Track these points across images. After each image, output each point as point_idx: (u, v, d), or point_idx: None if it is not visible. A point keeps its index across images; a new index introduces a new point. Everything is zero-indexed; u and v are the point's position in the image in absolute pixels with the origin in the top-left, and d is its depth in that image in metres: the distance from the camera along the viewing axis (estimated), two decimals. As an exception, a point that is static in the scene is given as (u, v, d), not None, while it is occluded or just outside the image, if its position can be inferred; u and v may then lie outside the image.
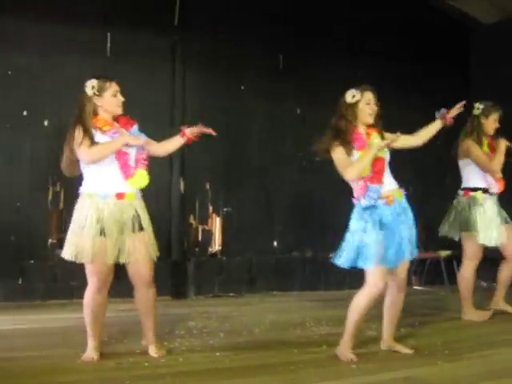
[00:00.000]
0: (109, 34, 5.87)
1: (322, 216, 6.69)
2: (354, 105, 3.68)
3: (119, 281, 5.38)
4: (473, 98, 7.65)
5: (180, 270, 6.11)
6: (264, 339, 4.21)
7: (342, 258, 3.62)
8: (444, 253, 6.90)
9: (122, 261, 3.52)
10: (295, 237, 6.61)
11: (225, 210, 6.29)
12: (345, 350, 3.63)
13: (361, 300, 3.63)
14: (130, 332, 4.08)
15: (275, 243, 6.55)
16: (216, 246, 6.28)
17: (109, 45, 5.89)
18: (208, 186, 6.24)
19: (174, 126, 6.09)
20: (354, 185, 3.67)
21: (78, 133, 3.43)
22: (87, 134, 3.44)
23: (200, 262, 6.19)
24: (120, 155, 3.51)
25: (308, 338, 4.24)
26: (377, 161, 3.61)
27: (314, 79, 6.61)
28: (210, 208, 6.25)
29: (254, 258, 6.42)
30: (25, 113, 5.57)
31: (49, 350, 3.76)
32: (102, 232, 3.44)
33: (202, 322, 4.75)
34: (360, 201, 3.64)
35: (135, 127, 3.70)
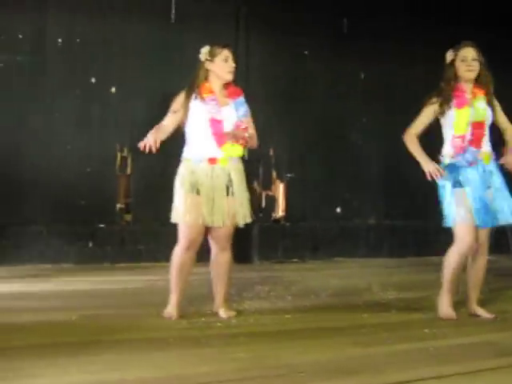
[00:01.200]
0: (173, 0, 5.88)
1: (386, 182, 6.62)
2: (451, 64, 3.70)
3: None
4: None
5: (244, 235, 6.14)
6: (332, 303, 4.22)
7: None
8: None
9: (211, 224, 3.58)
10: (359, 203, 6.56)
11: (288, 175, 6.28)
12: (444, 307, 3.70)
13: (451, 257, 3.68)
14: (201, 295, 4.14)
15: (338, 209, 6.52)
16: (279, 211, 6.29)
17: (173, 11, 5.90)
18: (271, 152, 6.23)
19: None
20: (449, 140, 3.67)
21: (177, 98, 3.60)
22: (186, 101, 3.58)
23: (264, 227, 6.22)
24: (213, 123, 3.58)
25: (376, 303, 4.23)
26: (477, 125, 3.61)
27: (379, 43, 6.46)
28: (274, 174, 6.26)
29: (317, 224, 6.41)
30: (93, 80, 5.68)
31: (123, 309, 3.87)
32: (195, 191, 3.55)
33: (268, 285, 4.79)
34: (445, 158, 3.68)
35: (241, 97, 3.75)
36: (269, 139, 6.18)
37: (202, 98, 3.59)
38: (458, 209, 3.58)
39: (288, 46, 6.29)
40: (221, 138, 3.58)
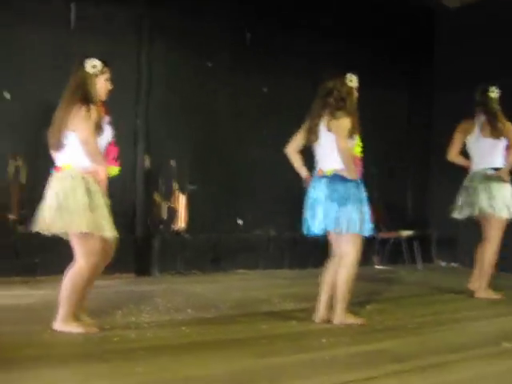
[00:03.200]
0: (72, 5, 5.72)
1: (286, 195, 6.71)
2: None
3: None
4: (436, 82, 7.87)
5: (144, 247, 6.05)
6: (232, 315, 4.23)
7: None
8: (405, 233, 7.05)
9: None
10: (259, 215, 6.62)
11: (190, 187, 6.24)
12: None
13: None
14: (97, 309, 4.01)
15: (240, 221, 6.55)
16: (180, 223, 6.24)
17: (73, 17, 5.73)
18: (173, 163, 6.18)
19: (139, 103, 6.04)
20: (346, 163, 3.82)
21: (87, 114, 3.47)
22: (98, 119, 3.52)
23: (164, 239, 6.15)
24: (111, 147, 3.71)
25: (276, 314, 4.28)
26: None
27: (281, 57, 6.59)
28: (175, 185, 6.20)
29: (218, 236, 6.40)
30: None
31: (16, 326, 3.70)
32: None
33: (167, 298, 4.73)
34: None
35: (108, 119, 3.70)
36: (170, 150, 6.14)
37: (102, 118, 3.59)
38: None
39: (191, 57, 6.26)
40: (114, 161, 3.72)
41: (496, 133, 4.94)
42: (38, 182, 5.43)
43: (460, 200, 5.17)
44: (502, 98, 5.03)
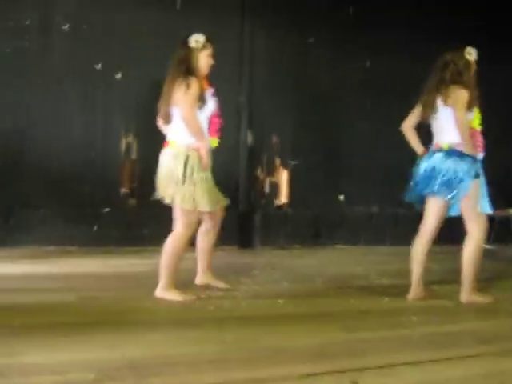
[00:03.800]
0: (180, -14, 5.94)
1: (389, 170, 6.64)
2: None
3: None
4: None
5: (247, 221, 6.24)
6: (326, 289, 4.30)
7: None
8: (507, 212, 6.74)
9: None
10: (361, 191, 6.60)
11: (292, 162, 6.33)
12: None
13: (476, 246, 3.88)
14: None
15: (341, 197, 6.57)
16: (282, 198, 6.36)
17: (179, -2, 5.95)
18: (275, 139, 6.29)
19: (242, 79, 6.18)
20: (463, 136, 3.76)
21: (188, 88, 3.62)
22: (201, 91, 3.67)
23: (266, 213, 6.30)
24: (214, 118, 3.86)
25: (370, 290, 4.30)
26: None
27: (384, 31, 6.47)
28: (277, 161, 6.32)
29: (319, 211, 6.47)
30: (98, 66, 5.76)
31: (123, 292, 3.98)
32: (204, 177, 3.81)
33: (266, 271, 4.88)
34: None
35: (212, 90, 3.86)
36: (272, 126, 6.25)
37: (205, 90, 3.75)
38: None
39: (293, 33, 6.31)
40: (216, 133, 3.88)
41: None
42: (148, 157, 5.80)
43: None
44: None
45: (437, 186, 3.84)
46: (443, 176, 3.80)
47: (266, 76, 6.24)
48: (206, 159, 3.73)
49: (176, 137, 3.75)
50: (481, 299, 3.92)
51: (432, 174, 3.87)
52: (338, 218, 6.52)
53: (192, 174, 3.69)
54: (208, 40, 3.77)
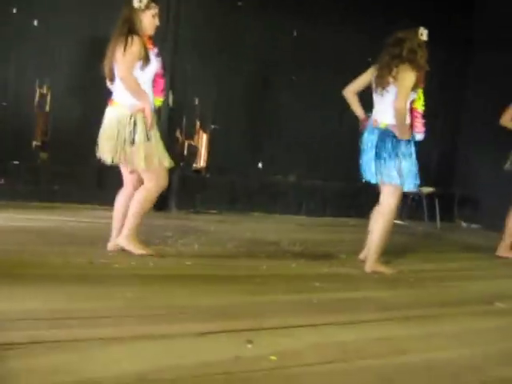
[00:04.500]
0: None
1: (310, 142, 6.71)
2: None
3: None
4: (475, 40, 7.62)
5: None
6: (236, 253, 4.31)
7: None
8: (426, 190, 6.97)
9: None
10: (281, 160, 6.63)
11: (212, 127, 6.27)
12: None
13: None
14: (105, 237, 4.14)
15: (260, 165, 6.58)
16: (201, 162, 6.30)
17: None
18: (197, 102, 6.20)
19: (166, 40, 6.03)
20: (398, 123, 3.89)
21: (134, 45, 3.59)
22: (144, 50, 3.65)
23: (184, 177, 6.23)
24: (158, 77, 3.87)
25: (279, 256, 4.34)
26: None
27: (313, 2, 6.47)
28: (198, 124, 6.24)
29: (238, 177, 6.46)
30: (14, 10, 5.46)
31: (26, 246, 3.86)
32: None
33: (178, 233, 4.84)
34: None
35: (156, 50, 3.85)
36: (195, 89, 6.15)
37: (149, 49, 3.73)
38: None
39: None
40: (160, 92, 3.88)
41: None
42: (63, 111, 5.61)
43: None
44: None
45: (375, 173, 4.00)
46: (381, 159, 3.95)
47: (192, 38, 6.12)
48: (151, 119, 3.69)
49: (119, 97, 3.73)
50: (384, 270, 4.05)
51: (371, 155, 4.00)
52: (255, 186, 6.54)
53: (140, 134, 3.67)
54: (152, 0, 3.73)
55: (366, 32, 6.63)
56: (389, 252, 4.60)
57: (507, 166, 5.36)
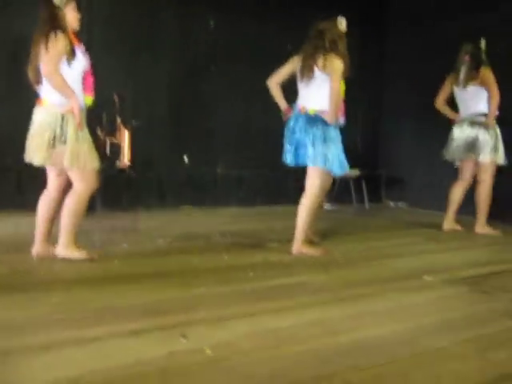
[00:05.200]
0: None
1: (234, 132, 6.68)
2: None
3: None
4: (388, 22, 7.78)
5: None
6: (166, 249, 4.23)
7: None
8: (353, 172, 7.07)
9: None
10: (206, 152, 6.56)
11: (134, 122, 6.13)
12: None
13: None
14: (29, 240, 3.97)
15: (186, 158, 6.49)
16: (125, 159, 6.15)
17: None
18: (117, 98, 6.04)
19: (81, 37, 5.82)
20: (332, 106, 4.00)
21: (59, 42, 3.47)
22: (70, 46, 3.53)
23: (108, 176, 6.05)
24: (87, 75, 3.74)
25: (211, 249, 4.29)
26: None
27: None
28: (118, 120, 6.08)
29: (164, 172, 6.35)
30: None
31: None
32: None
33: (106, 234, 4.71)
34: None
35: (83, 47, 3.74)
36: (112, 85, 5.98)
37: (76, 45, 3.62)
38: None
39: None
40: (90, 90, 3.74)
41: (474, 81, 5.20)
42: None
43: (454, 144, 5.41)
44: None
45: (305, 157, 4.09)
46: (309, 144, 4.03)
47: (109, 33, 5.94)
48: (80, 118, 3.57)
49: (48, 96, 3.60)
50: (312, 251, 4.14)
51: (298, 141, 4.09)
52: (182, 180, 6.44)
53: (70, 133, 3.56)
54: None
55: (284, 20, 6.67)
56: (318, 235, 4.67)
57: (447, 155, 5.52)
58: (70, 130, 3.57)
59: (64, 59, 3.53)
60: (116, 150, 6.10)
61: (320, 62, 4.00)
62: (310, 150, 4.01)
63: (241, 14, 6.55)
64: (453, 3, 6.77)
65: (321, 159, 4.01)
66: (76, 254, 3.71)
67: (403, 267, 3.89)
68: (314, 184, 4.10)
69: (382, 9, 7.77)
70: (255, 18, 6.59)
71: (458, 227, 5.49)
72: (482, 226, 5.40)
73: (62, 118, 3.55)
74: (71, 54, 3.55)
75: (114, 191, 6.06)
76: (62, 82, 3.51)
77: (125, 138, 6.10)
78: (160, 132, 6.31)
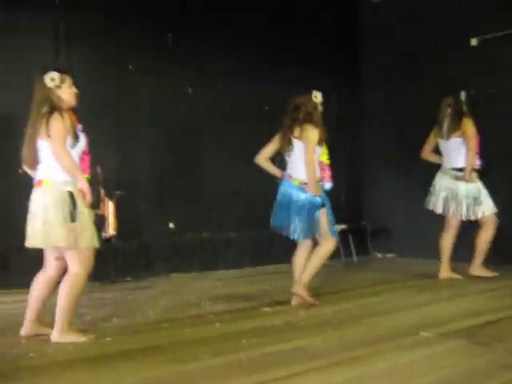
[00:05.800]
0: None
1: (216, 196, 6.69)
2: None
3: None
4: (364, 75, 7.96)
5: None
6: (158, 321, 4.16)
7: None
8: (339, 227, 7.08)
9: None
10: (191, 217, 6.55)
11: (117, 192, 6.13)
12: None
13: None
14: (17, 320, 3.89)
15: (171, 225, 6.48)
16: (110, 230, 6.12)
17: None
18: (99, 170, 6.05)
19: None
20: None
21: (62, 124, 3.49)
22: (73, 127, 3.56)
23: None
24: (85, 155, 3.77)
25: (202, 317, 4.24)
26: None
27: (205, 57, 6.56)
28: (102, 192, 6.07)
29: (150, 240, 6.32)
30: None
31: None
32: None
33: (95, 308, 4.64)
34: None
35: (81, 126, 3.72)
36: (94, 156, 5.98)
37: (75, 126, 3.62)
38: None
39: (111, 60, 6.14)
40: (87, 169, 3.75)
41: (456, 132, 5.35)
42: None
43: (438, 195, 5.51)
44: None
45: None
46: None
47: (85, 104, 5.98)
48: (89, 195, 3.60)
49: (50, 175, 3.56)
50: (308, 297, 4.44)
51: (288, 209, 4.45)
52: (169, 246, 6.41)
53: (78, 211, 3.55)
54: (63, 72, 3.66)
55: (261, 81, 6.79)
56: (311, 293, 4.64)
57: (430, 204, 5.61)
58: (80, 209, 3.55)
59: (68, 140, 3.54)
60: (101, 221, 6.07)
61: (297, 132, 4.44)
62: (298, 219, 4.38)
63: (217, 79, 6.67)
64: (426, 56, 6.99)
65: (308, 228, 4.39)
66: (72, 338, 3.60)
67: (398, 324, 3.87)
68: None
69: (357, 65, 7.96)
70: (232, 82, 6.70)
71: (456, 275, 5.47)
72: (477, 268, 5.40)
73: (71, 197, 3.52)
74: (74, 136, 3.57)
75: (101, 262, 5.97)
76: (72, 161, 3.53)
77: (109, 208, 6.08)
78: (144, 200, 6.31)
